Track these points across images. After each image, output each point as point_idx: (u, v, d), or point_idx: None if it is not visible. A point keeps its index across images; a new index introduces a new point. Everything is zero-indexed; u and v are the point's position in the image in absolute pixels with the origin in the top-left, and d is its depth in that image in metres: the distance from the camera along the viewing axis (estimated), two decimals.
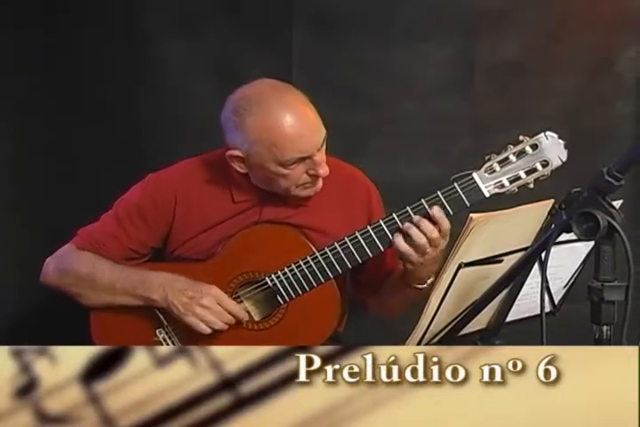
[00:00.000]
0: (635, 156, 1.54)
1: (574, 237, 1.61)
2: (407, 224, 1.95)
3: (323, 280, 2.06)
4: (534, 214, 1.89)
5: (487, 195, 1.97)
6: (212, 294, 2.06)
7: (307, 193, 2.09)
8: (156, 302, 2.08)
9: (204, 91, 2.62)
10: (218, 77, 2.63)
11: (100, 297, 2.11)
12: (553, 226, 1.63)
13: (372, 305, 2.24)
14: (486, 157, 1.96)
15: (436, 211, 1.94)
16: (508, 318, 2.01)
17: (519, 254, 1.89)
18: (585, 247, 1.99)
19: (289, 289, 2.07)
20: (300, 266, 2.06)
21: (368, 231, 2.02)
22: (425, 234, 1.94)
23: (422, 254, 1.96)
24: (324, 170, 2.03)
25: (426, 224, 1.94)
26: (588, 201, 1.56)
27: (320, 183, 2.07)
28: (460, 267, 1.88)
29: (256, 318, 2.13)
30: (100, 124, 2.68)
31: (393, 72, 2.67)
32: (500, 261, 1.92)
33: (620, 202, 1.76)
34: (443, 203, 1.97)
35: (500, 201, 1.96)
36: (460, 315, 1.95)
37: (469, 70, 2.68)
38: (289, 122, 1.97)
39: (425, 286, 2.05)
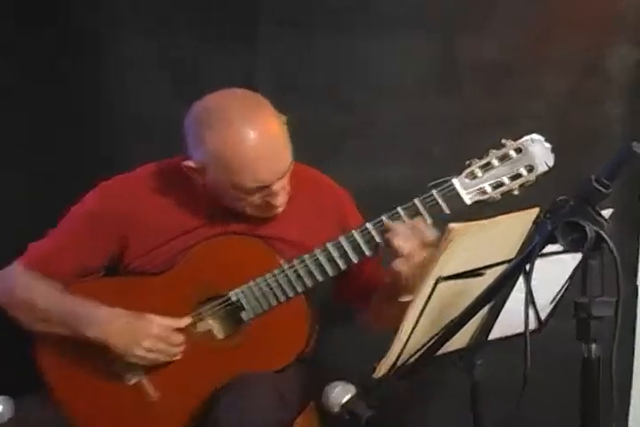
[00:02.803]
0: (622, 160, 1.52)
1: (562, 249, 1.58)
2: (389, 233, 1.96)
3: (291, 295, 2.04)
4: (518, 224, 1.85)
5: (468, 202, 1.97)
6: (154, 335, 2.02)
7: (265, 215, 2.08)
8: (93, 340, 2.03)
9: (163, 91, 2.60)
10: (177, 77, 2.62)
11: (37, 324, 2.08)
12: (538, 236, 1.60)
13: (365, 316, 2.19)
14: (467, 162, 1.96)
15: (419, 223, 1.95)
16: (491, 337, 1.98)
17: (502, 267, 1.80)
18: (573, 259, 1.92)
19: (254, 305, 2.05)
20: (265, 280, 2.04)
21: (340, 243, 2.01)
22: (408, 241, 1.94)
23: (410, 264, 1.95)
24: (281, 201, 2.03)
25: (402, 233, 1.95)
26: (574, 210, 1.54)
27: (281, 207, 2.06)
28: (437, 281, 1.83)
29: (219, 337, 2.10)
30: (55, 126, 2.66)
31: (371, 71, 2.66)
32: (482, 275, 1.88)
33: (611, 211, 1.74)
34: (420, 211, 1.97)
35: (482, 209, 1.97)
36: (438, 333, 1.87)
37: (453, 69, 2.68)
38: (251, 147, 1.94)
39: None
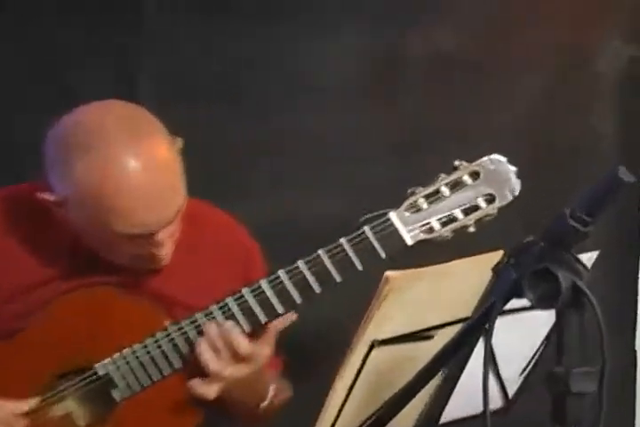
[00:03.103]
0: (605, 190, 1.52)
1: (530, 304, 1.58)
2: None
3: (178, 367, 2.01)
4: (475, 271, 1.88)
5: (410, 242, 1.95)
6: None
7: (145, 267, 2.08)
8: None
9: (14, 96, 2.61)
10: (34, 74, 2.62)
11: None
12: (498, 289, 1.60)
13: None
14: (409, 191, 1.95)
15: (228, 327, 1.96)
16: (445, 418, 2.02)
17: (456, 328, 1.87)
18: (548, 317, 1.88)
19: (129, 381, 2.02)
20: (145, 347, 2.01)
21: (243, 296, 1.99)
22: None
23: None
24: (166, 251, 2.03)
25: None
26: (545, 254, 1.53)
27: (167, 258, 2.06)
28: (372, 346, 1.87)
29: (81, 423, 2.08)
30: None
31: (288, 72, 2.69)
32: (430, 338, 1.92)
33: (595, 254, 1.84)
34: (347, 255, 1.96)
35: (429, 252, 1.96)
36: (374, 413, 1.92)
37: (395, 70, 2.71)
38: (131, 182, 1.93)
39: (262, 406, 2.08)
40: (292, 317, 1.98)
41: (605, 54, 2.79)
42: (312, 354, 2.48)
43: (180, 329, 2.00)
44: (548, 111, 2.74)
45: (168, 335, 2.00)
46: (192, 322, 1.99)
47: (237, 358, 1.95)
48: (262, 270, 2.17)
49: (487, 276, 1.80)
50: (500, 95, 2.73)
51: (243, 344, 1.95)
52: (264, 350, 1.98)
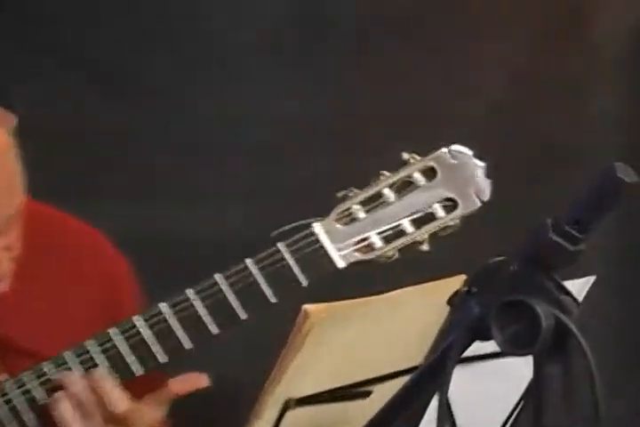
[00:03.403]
0: (599, 192, 1.50)
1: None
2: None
3: None
4: (427, 304, 1.88)
5: (341, 264, 1.95)
6: None
7: None
8: None
9: None
10: None
11: None
12: (456, 328, 1.61)
13: None
14: (339, 194, 1.96)
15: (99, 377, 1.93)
16: None
17: (401, 381, 1.85)
18: (525, 366, 1.83)
19: None
20: None
21: (110, 340, 1.95)
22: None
23: None
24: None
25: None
26: (519, 281, 1.52)
27: (2, 282, 2.04)
28: (286, 407, 1.90)
29: None
30: None
31: (195, 47, 2.76)
32: (366, 395, 1.95)
33: (591, 280, 1.89)
34: (255, 282, 1.94)
35: (367, 278, 1.99)
36: None
37: (325, 40, 2.76)
38: None
39: None
40: (202, 381, 1.94)
41: (605, 23, 2.84)
42: (208, 417, 2.51)
43: (20, 386, 1.99)
44: (526, 96, 2.79)
45: (3, 395, 1.97)
46: (39, 376, 1.98)
47: (112, 419, 1.92)
48: (136, 300, 2.19)
49: (443, 310, 1.76)
50: (469, 70, 2.78)
51: (120, 400, 1.91)
52: (152, 412, 1.95)
